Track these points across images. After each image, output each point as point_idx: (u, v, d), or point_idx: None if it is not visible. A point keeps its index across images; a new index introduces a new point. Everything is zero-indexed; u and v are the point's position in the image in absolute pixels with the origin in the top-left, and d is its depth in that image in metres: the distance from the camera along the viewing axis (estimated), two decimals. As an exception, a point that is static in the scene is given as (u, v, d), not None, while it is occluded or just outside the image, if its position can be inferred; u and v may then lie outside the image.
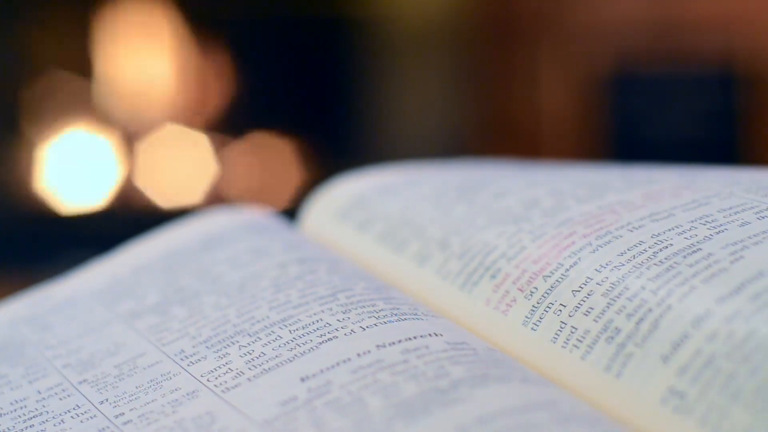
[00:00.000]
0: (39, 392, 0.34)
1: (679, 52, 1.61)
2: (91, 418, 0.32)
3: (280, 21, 1.69)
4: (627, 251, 0.33)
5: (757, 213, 0.33)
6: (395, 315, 0.33)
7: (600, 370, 0.30)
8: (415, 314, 0.33)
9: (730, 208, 0.34)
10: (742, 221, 0.33)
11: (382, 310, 0.33)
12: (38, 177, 1.61)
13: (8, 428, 0.32)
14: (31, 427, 0.32)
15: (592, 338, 0.31)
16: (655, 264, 0.32)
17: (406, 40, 1.68)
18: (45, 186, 1.60)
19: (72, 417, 0.32)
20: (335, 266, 0.38)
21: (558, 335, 0.32)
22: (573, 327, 0.31)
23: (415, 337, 0.31)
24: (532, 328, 0.33)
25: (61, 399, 0.33)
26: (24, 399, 0.34)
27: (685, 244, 0.32)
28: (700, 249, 0.32)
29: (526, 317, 0.33)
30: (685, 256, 0.32)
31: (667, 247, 0.33)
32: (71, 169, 1.62)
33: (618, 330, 0.30)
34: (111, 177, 1.62)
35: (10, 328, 0.39)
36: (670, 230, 0.33)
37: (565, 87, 1.66)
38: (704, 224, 0.33)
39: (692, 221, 0.34)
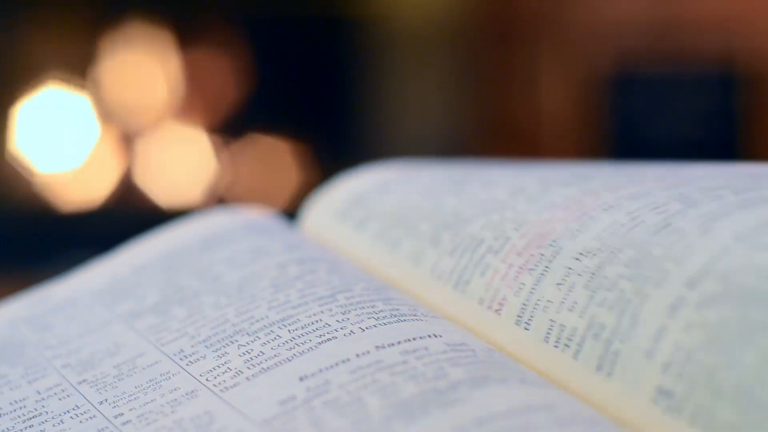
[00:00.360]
0: (38, 392, 0.34)
1: (679, 52, 1.61)
2: (91, 418, 0.32)
3: (280, 21, 1.69)
4: (602, 233, 0.32)
5: (735, 191, 0.32)
6: (395, 316, 0.33)
7: (592, 370, 0.30)
8: (415, 315, 0.33)
9: (710, 188, 0.33)
10: (718, 196, 0.32)
11: (381, 311, 0.33)
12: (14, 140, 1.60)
13: (8, 428, 0.32)
14: (30, 427, 0.32)
15: (580, 336, 0.30)
16: (629, 247, 0.31)
17: (406, 40, 1.68)
18: (20, 148, 1.60)
19: (71, 417, 0.32)
20: (335, 266, 0.38)
21: (549, 334, 0.31)
22: (562, 324, 0.31)
23: (414, 339, 0.31)
24: (525, 328, 0.32)
25: (60, 399, 0.33)
26: (23, 399, 0.34)
27: (657, 220, 0.32)
28: (671, 224, 0.31)
29: (518, 316, 0.33)
30: (656, 234, 0.31)
31: (639, 225, 0.32)
32: (47, 129, 1.62)
33: (602, 325, 0.30)
34: (89, 140, 1.62)
35: (10, 328, 0.39)
36: (644, 207, 0.33)
37: (565, 87, 1.66)
38: (679, 200, 0.32)
39: (668, 198, 0.33)
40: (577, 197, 0.35)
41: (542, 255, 0.33)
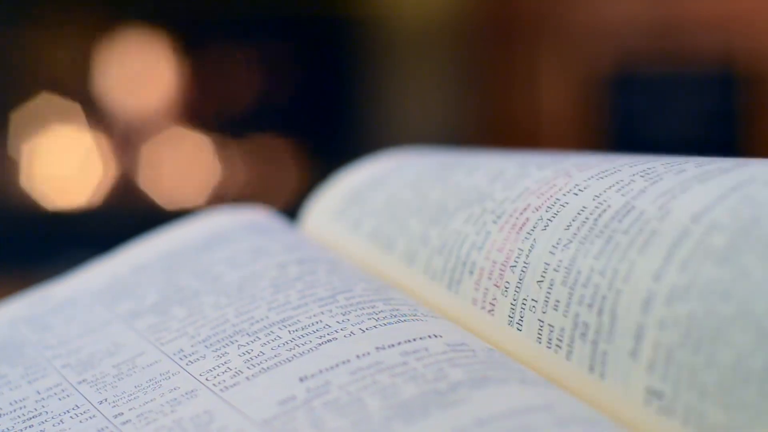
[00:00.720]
0: (38, 392, 0.34)
1: (679, 52, 1.61)
2: (91, 418, 0.32)
3: (280, 21, 1.69)
4: (572, 222, 0.32)
5: (697, 164, 0.31)
6: (395, 317, 0.33)
7: (585, 372, 0.29)
8: (415, 315, 0.33)
9: (675, 161, 0.32)
10: (680, 170, 0.31)
11: (381, 311, 0.33)
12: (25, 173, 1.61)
13: (8, 428, 0.32)
14: (30, 427, 0.32)
15: (568, 336, 0.30)
16: (596, 235, 0.30)
17: (406, 40, 1.68)
18: (20, 148, 1.60)
19: (71, 417, 0.32)
20: (335, 267, 0.38)
21: (540, 335, 0.31)
22: (550, 325, 0.31)
23: (414, 339, 0.31)
24: (517, 328, 0.32)
25: (60, 399, 0.33)
26: (23, 399, 0.34)
27: (621, 202, 0.31)
28: (634, 207, 0.30)
29: (509, 316, 0.32)
30: (620, 220, 0.30)
31: (605, 210, 0.31)
32: (47, 129, 1.62)
33: (586, 325, 0.29)
34: (101, 174, 1.62)
35: (10, 328, 0.39)
36: (610, 188, 0.32)
37: (565, 87, 1.66)
38: (643, 176, 0.32)
39: (633, 174, 0.32)
40: (549, 179, 0.34)
41: (520, 250, 0.33)
